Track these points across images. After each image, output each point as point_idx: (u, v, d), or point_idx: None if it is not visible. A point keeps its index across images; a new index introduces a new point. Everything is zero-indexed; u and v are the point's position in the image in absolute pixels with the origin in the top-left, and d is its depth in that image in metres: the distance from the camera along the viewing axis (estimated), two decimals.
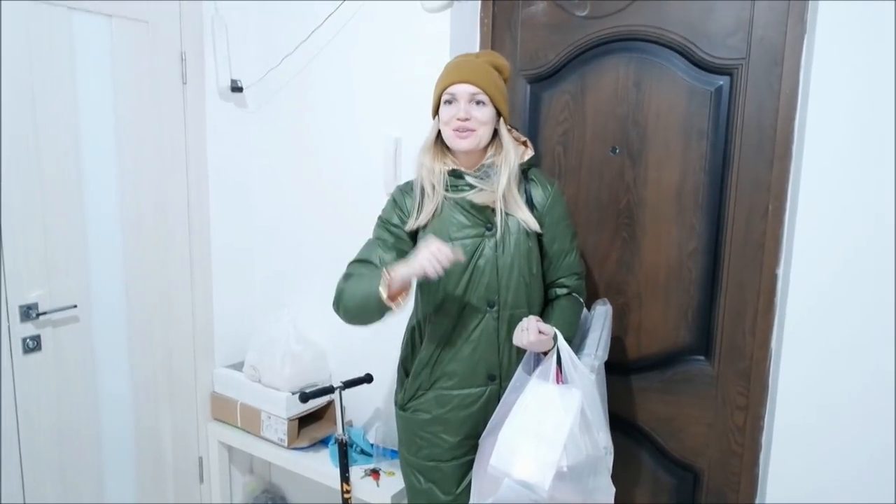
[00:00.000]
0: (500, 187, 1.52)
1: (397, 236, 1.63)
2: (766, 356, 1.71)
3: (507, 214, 1.55)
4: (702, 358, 1.85)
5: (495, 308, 1.57)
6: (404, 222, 1.62)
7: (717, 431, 1.84)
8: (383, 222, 1.66)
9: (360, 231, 2.24)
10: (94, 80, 2.07)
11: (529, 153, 1.62)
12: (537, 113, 1.99)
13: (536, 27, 1.96)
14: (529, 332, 1.44)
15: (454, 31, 1.96)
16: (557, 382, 1.44)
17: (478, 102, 1.50)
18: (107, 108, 2.11)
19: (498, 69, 1.55)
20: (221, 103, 2.40)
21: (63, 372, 2.07)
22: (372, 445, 2.19)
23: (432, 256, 1.37)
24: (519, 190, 1.57)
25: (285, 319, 2.35)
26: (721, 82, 1.72)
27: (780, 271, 1.67)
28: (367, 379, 2.15)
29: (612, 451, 1.54)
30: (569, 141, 1.95)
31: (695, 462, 1.89)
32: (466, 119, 1.49)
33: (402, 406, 1.72)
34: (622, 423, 1.96)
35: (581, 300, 1.68)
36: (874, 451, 1.55)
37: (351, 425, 2.35)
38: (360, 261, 1.64)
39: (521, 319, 1.55)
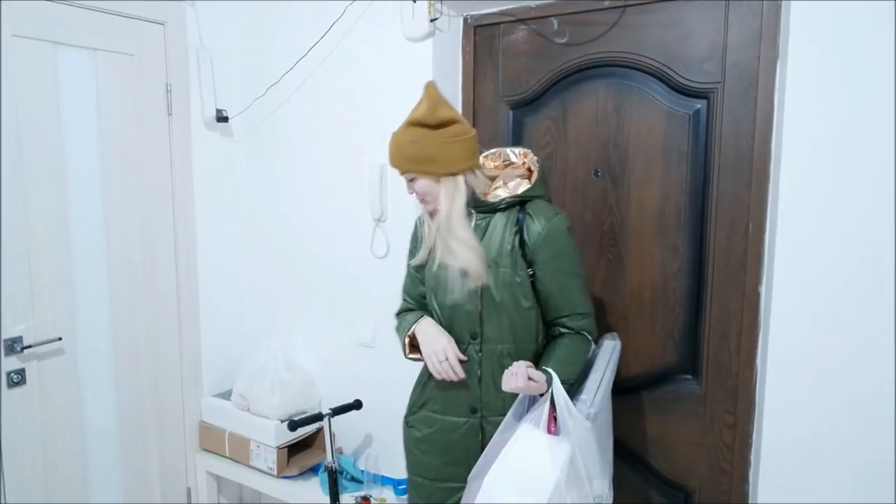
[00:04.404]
0: (435, 227, 1.55)
1: (417, 269, 1.70)
2: (752, 374, 1.73)
3: (499, 247, 1.54)
4: (689, 377, 1.86)
5: (477, 340, 1.57)
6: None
7: (706, 450, 1.84)
8: (409, 254, 1.77)
9: (347, 258, 2.26)
10: (79, 113, 2.08)
11: (523, 186, 1.57)
12: (520, 138, 2.02)
13: (517, 54, 1.99)
14: (518, 377, 1.40)
15: (436, 60, 1.99)
16: (550, 430, 1.39)
17: (411, 180, 1.55)
18: (92, 140, 2.12)
19: (439, 125, 1.49)
20: (207, 133, 2.42)
21: (48, 405, 2.05)
22: (362, 472, 2.18)
23: (437, 363, 1.56)
24: (507, 224, 1.54)
25: (274, 347, 2.35)
26: (699, 105, 1.76)
27: (763, 289, 1.70)
28: (357, 405, 2.14)
29: (609, 497, 1.49)
30: (552, 165, 1.98)
31: (685, 481, 1.89)
32: (413, 193, 1.57)
33: (405, 419, 1.75)
34: (613, 444, 1.96)
35: (589, 338, 1.60)
36: (862, 464, 1.56)
37: (341, 452, 2.33)
38: (404, 293, 1.77)
39: (504, 354, 1.55)
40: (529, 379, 1.40)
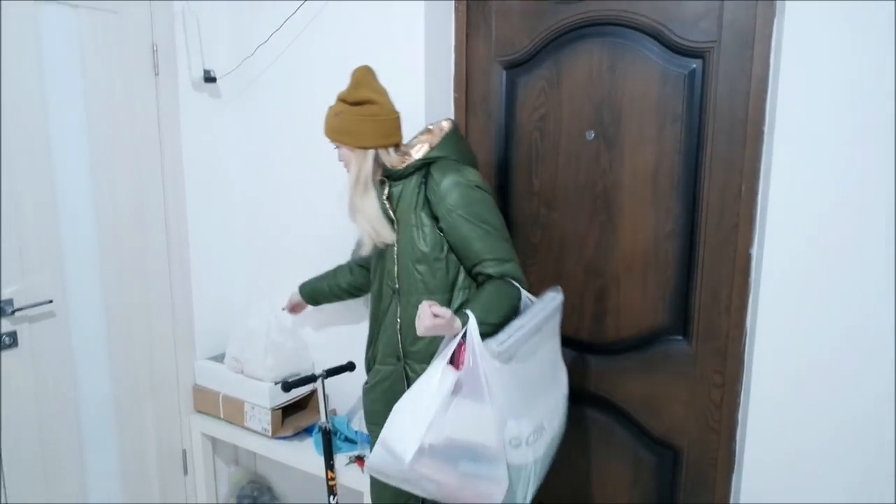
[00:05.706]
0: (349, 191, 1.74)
1: None
2: (742, 334, 1.75)
3: (406, 208, 1.69)
4: (680, 337, 1.88)
5: (396, 294, 1.73)
6: None
7: (695, 409, 1.87)
8: None
9: (339, 221, 2.24)
10: (63, 72, 2.03)
11: (424, 150, 1.71)
12: (513, 98, 2.00)
13: (510, 13, 1.96)
14: (422, 318, 1.44)
15: (429, 19, 1.95)
16: (458, 365, 1.45)
17: (336, 147, 1.75)
18: (77, 100, 2.08)
19: (357, 103, 1.68)
20: (195, 94, 2.38)
21: (41, 368, 2.05)
22: (356, 433, 2.20)
23: None
24: (414, 186, 1.69)
25: (267, 310, 2.35)
26: (694, 65, 1.74)
27: (754, 251, 1.70)
28: (350, 367, 2.16)
29: (532, 442, 1.50)
30: (545, 126, 1.96)
31: (674, 440, 1.92)
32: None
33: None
34: (603, 403, 1.99)
35: (514, 283, 1.64)
36: (847, 424, 1.59)
37: (335, 413, 2.35)
38: None
39: (417, 306, 1.55)
40: (436, 316, 1.44)
